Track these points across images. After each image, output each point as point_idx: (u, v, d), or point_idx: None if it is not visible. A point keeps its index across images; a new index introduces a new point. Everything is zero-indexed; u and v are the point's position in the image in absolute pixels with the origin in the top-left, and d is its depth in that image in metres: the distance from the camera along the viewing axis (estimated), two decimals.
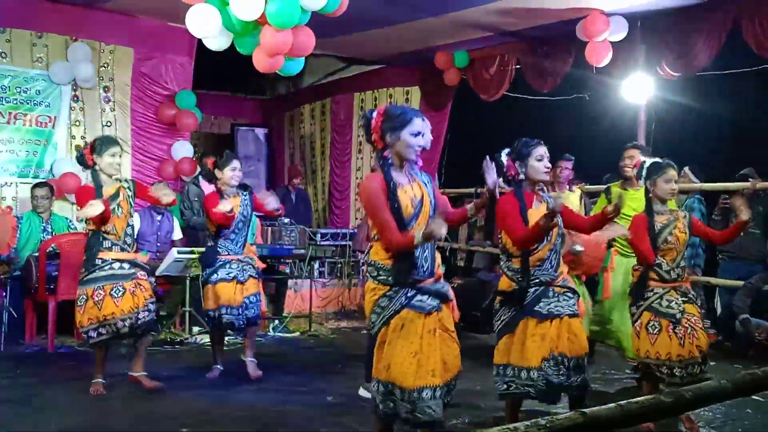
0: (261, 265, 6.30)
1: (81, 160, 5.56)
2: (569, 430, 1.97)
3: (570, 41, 8.36)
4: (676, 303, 4.60)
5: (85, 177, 8.38)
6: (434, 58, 9.75)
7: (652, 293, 4.66)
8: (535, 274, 4.18)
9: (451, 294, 3.81)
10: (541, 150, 4.29)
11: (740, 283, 7.07)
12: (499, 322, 4.29)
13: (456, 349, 3.74)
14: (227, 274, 5.95)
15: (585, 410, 2.04)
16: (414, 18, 8.46)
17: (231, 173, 5.99)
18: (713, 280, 7.58)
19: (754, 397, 5.25)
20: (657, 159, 4.89)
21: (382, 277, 3.65)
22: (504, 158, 4.31)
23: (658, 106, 8.29)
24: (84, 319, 5.37)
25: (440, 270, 3.80)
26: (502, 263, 4.36)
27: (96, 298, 5.33)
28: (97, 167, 5.45)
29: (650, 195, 4.77)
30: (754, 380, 2.49)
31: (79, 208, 5.47)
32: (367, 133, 3.74)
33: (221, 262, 5.96)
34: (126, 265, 5.46)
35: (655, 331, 4.58)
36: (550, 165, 4.31)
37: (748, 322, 6.85)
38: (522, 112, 9.62)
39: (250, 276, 6.03)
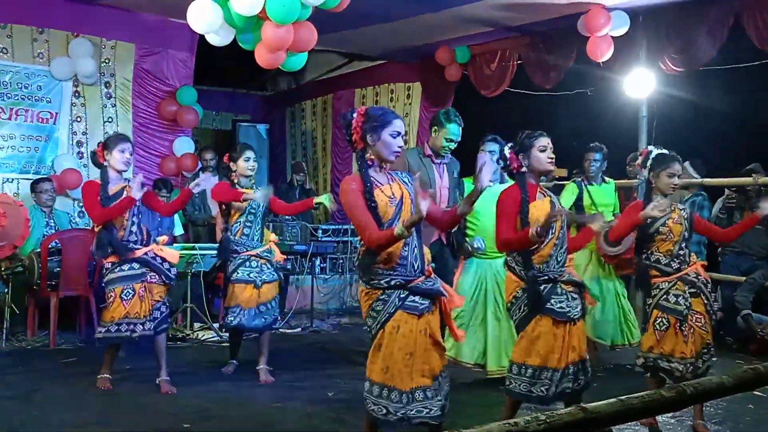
0: (280, 258, 6.25)
1: (93, 158, 5.58)
2: (570, 425, 1.97)
3: (571, 36, 8.34)
4: (683, 298, 4.57)
5: (86, 174, 8.42)
6: (435, 53, 9.74)
7: (657, 290, 4.63)
8: (543, 271, 4.07)
9: (444, 287, 3.80)
10: (544, 141, 4.24)
11: (742, 278, 7.06)
12: (515, 320, 4.20)
13: (441, 358, 3.74)
14: (247, 275, 5.95)
15: (585, 405, 2.04)
16: (415, 13, 8.46)
17: (245, 164, 6.01)
18: (715, 276, 7.56)
19: (756, 392, 5.22)
20: (663, 150, 4.84)
21: (374, 281, 3.65)
22: (507, 151, 4.29)
23: (660, 100, 8.28)
24: (106, 317, 5.41)
25: (430, 267, 3.80)
26: (507, 258, 4.25)
27: (109, 300, 5.39)
28: (107, 164, 5.46)
29: (652, 186, 4.74)
30: (755, 375, 2.48)
31: (80, 204, 5.48)
32: (347, 133, 3.75)
33: (241, 260, 5.96)
34: (136, 265, 5.46)
35: (662, 328, 4.57)
36: (553, 156, 4.25)
37: (750, 318, 6.85)
38: (523, 107, 9.61)
39: (266, 281, 5.99)
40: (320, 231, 9.77)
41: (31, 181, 7.88)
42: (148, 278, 5.48)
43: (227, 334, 7.56)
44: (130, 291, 5.40)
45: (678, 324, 4.53)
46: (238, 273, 5.93)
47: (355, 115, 3.72)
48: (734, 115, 8.17)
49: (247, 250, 5.98)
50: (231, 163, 6.04)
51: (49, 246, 7.01)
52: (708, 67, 7.71)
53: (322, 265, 9.75)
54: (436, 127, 5.79)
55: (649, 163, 4.79)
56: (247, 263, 5.96)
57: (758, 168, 7.19)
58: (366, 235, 3.57)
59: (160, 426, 4.70)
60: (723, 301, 7.56)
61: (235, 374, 6.04)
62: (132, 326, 5.38)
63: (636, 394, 2.18)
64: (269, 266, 6.05)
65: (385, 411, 3.60)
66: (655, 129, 8.16)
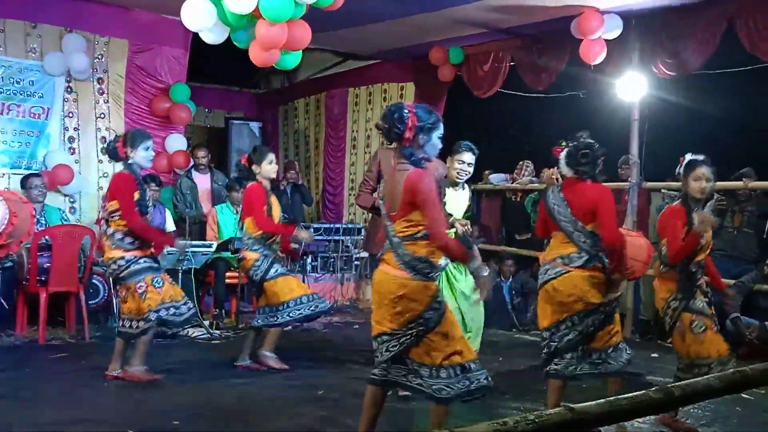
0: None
1: (113, 153, 5.56)
2: (558, 425, 1.98)
3: (564, 39, 8.36)
4: (704, 304, 4.67)
5: (77, 170, 8.41)
6: (429, 53, 9.74)
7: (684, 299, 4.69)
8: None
9: None
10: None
11: (731, 281, 7.09)
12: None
13: None
14: (284, 268, 6.15)
15: (573, 405, 2.05)
16: (409, 14, 8.46)
17: (269, 167, 6.03)
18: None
19: (743, 395, 5.26)
20: (696, 156, 4.76)
21: (432, 274, 3.82)
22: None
23: (652, 104, 8.30)
24: (143, 306, 5.46)
25: None
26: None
27: (140, 290, 5.45)
28: (130, 160, 5.46)
29: (687, 191, 4.69)
30: (743, 378, 2.50)
31: (107, 199, 5.50)
32: (396, 128, 3.80)
33: (271, 259, 6.03)
34: (150, 259, 5.56)
35: (701, 330, 4.62)
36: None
37: (739, 321, 6.88)
38: (516, 109, 9.62)
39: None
40: (312, 229, 9.77)
41: (22, 176, 7.85)
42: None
43: (217, 332, 7.61)
44: (160, 279, 5.54)
45: (714, 326, 4.66)
46: (275, 268, 5.99)
47: (408, 113, 3.79)
48: (726, 119, 8.20)
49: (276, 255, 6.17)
50: (254, 166, 6.02)
51: (40, 241, 7.00)
52: (700, 71, 7.74)
53: (313, 264, 9.76)
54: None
55: (681, 170, 4.75)
56: (279, 261, 6.15)
57: (750, 173, 7.22)
58: (441, 230, 3.73)
59: (151, 423, 4.70)
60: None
61: (226, 372, 6.04)
62: (174, 309, 5.53)
63: (624, 395, 2.19)
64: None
65: (466, 386, 3.81)
66: (646, 132, 8.19)
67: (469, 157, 5.42)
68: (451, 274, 5.40)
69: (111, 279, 5.50)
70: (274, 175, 6.10)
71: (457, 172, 5.44)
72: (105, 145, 5.76)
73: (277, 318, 5.98)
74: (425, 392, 3.83)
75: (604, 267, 4.40)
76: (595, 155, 4.47)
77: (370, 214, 5.64)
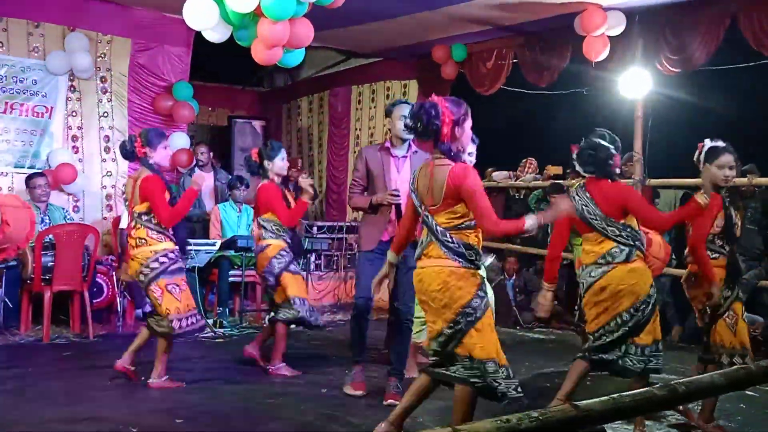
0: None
1: (129, 152, 5.53)
2: (562, 422, 1.98)
3: (567, 36, 8.35)
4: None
5: (80, 168, 8.41)
6: (432, 51, 9.74)
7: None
8: None
9: None
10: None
11: None
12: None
13: None
14: (297, 267, 6.13)
15: (578, 403, 2.05)
16: (412, 11, 8.46)
17: (281, 163, 6.02)
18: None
19: (747, 391, 5.25)
20: (718, 143, 4.68)
21: (477, 261, 3.88)
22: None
23: (656, 100, 8.28)
24: (181, 306, 5.46)
25: None
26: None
27: (175, 292, 5.45)
28: (151, 160, 5.46)
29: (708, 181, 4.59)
30: (747, 375, 2.50)
31: (136, 201, 5.47)
32: (433, 125, 3.83)
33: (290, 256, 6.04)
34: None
35: (746, 320, 4.77)
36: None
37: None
38: (519, 106, 9.61)
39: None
40: (315, 228, 9.78)
41: (26, 176, 7.87)
42: None
43: (220, 330, 7.62)
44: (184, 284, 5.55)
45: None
46: (293, 265, 6.04)
47: (441, 109, 3.83)
48: (730, 115, 8.18)
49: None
50: (266, 162, 6.00)
51: (44, 240, 7.01)
52: (704, 67, 7.72)
53: (316, 262, 9.76)
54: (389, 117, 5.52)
55: (702, 158, 4.66)
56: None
57: (753, 169, 7.22)
58: (493, 220, 3.75)
59: (153, 421, 4.70)
60: None
61: (229, 370, 6.04)
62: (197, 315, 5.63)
63: (628, 392, 2.19)
64: None
65: (515, 386, 3.85)
66: (650, 129, 8.17)
67: (472, 147, 5.46)
68: None
69: (148, 278, 5.40)
70: (285, 172, 6.10)
71: None
72: (120, 146, 5.70)
73: (297, 313, 5.96)
74: (461, 379, 3.87)
75: (645, 256, 4.45)
76: (599, 156, 4.42)
77: (362, 213, 5.56)
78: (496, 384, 3.79)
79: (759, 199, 7.46)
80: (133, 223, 5.45)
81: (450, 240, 3.81)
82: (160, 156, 5.49)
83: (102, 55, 8.74)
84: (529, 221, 3.74)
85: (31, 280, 7.01)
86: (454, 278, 3.80)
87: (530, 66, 9.09)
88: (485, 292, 3.91)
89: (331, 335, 7.85)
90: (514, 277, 8.89)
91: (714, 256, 4.65)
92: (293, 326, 6.26)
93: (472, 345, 3.81)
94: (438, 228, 3.84)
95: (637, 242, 4.35)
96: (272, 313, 6.07)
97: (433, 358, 3.99)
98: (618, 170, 4.51)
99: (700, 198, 4.35)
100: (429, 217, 3.89)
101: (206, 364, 6.29)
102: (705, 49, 7.55)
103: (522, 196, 9.47)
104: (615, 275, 4.31)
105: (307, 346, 7.23)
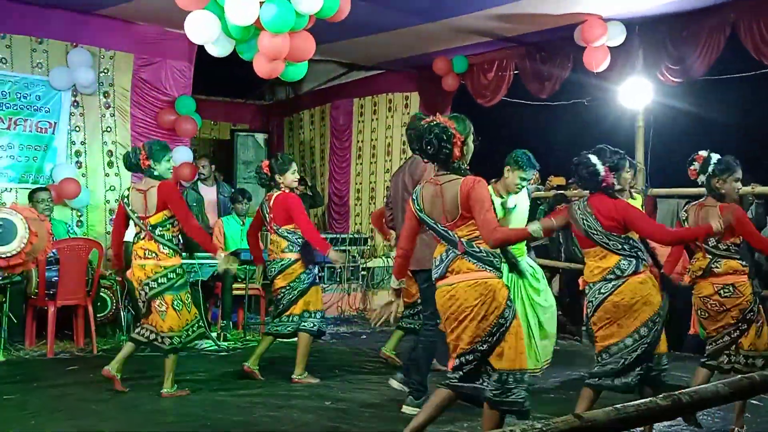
0: None
1: (133, 164, 5.60)
2: None
3: (568, 46, 8.38)
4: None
5: (84, 183, 8.43)
6: (433, 63, 9.77)
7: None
8: None
9: None
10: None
11: None
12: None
13: None
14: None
15: (581, 413, 2.05)
16: (413, 24, 8.48)
17: (292, 176, 6.09)
18: None
19: (752, 401, 5.24)
20: (728, 157, 4.82)
21: (500, 266, 3.94)
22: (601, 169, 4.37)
23: (657, 111, 8.29)
24: (189, 318, 5.64)
25: None
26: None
27: (178, 307, 5.57)
28: (156, 172, 5.49)
29: (720, 191, 4.75)
30: (750, 384, 2.50)
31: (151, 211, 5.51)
32: (445, 149, 3.91)
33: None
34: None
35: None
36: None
37: None
38: (520, 117, 9.62)
39: None
40: None
41: (29, 191, 7.88)
42: None
43: (225, 344, 7.62)
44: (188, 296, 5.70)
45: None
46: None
47: (449, 128, 3.92)
48: (731, 125, 8.19)
49: None
50: (277, 176, 6.05)
51: (48, 255, 7.01)
52: (705, 77, 7.74)
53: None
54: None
55: (711, 169, 4.78)
56: None
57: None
58: (492, 228, 3.77)
59: None
60: None
61: (233, 383, 6.04)
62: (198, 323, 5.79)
63: (632, 402, 2.19)
64: None
65: (525, 396, 3.89)
66: (651, 139, 8.18)
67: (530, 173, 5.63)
68: (526, 286, 5.48)
69: (153, 292, 5.47)
70: (296, 185, 6.17)
71: None
72: (123, 156, 5.75)
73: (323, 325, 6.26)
74: (485, 395, 3.88)
75: (656, 264, 4.60)
76: (580, 172, 4.41)
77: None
78: (514, 395, 3.85)
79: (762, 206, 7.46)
80: (142, 234, 5.50)
81: (477, 250, 3.85)
82: (165, 168, 5.53)
83: (105, 71, 8.77)
84: (533, 226, 3.87)
85: (36, 294, 7.02)
86: (490, 289, 3.83)
87: (531, 77, 9.12)
88: (512, 301, 3.97)
89: (335, 348, 7.85)
90: None
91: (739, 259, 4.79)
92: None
93: (499, 355, 3.86)
94: (463, 240, 3.86)
95: (640, 254, 4.35)
96: (302, 324, 6.10)
97: (457, 373, 3.95)
98: (615, 185, 4.42)
99: (714, 223, 4.38)
100: (449, 232, 3.91)
101: (210, 377, 6.28)
102: (705, 59, 7.57)
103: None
104: (628, 288, 4.28)
105: (310, 358, 7.21)
